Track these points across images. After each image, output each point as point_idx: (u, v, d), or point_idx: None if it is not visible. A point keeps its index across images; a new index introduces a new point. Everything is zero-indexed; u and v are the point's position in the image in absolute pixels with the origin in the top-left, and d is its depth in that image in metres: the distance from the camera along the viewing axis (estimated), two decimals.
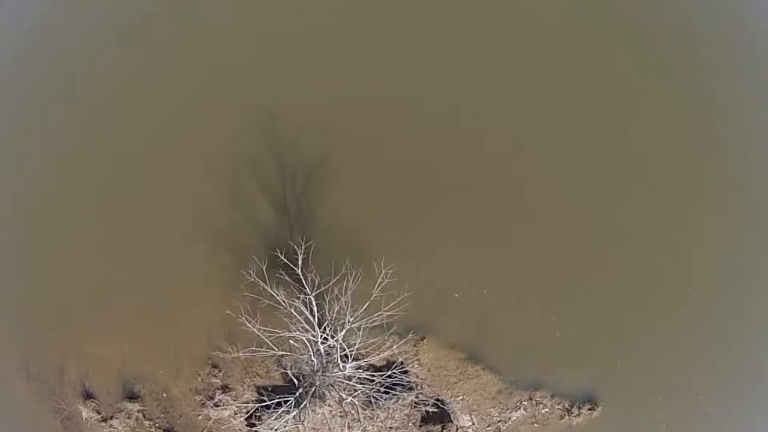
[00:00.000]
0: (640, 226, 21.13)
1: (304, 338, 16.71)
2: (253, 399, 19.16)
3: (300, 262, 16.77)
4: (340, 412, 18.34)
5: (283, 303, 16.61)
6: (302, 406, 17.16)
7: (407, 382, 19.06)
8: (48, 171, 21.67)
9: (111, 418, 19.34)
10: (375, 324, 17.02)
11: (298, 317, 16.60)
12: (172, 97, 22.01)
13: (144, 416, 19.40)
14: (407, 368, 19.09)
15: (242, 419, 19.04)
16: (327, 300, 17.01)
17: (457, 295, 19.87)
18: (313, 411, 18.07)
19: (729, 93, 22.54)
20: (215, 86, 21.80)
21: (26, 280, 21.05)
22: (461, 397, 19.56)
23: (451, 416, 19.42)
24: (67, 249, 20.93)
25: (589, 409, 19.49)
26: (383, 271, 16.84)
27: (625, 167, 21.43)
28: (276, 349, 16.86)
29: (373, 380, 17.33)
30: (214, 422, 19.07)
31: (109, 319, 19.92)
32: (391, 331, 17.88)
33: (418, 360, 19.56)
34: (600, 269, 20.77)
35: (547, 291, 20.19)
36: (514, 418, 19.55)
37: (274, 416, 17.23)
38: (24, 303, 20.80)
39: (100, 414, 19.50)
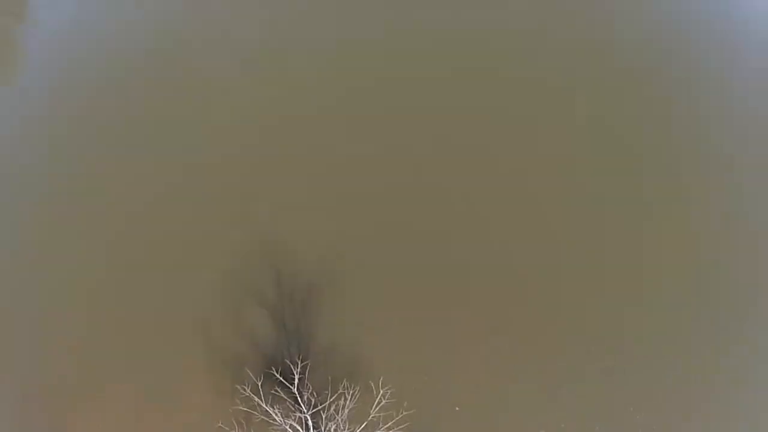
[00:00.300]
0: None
1: None
2: None
3: (296, 381, 16.83)
4: None
5: (277, 419, 16.19)
6: None
7: None
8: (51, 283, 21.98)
9: None
10: None
11: None
12: (173, 214, 23.43)
13: None
14: None
15: None
16: (323, 418, 16.62)
17: (457, 408, 19.18)
18: None
19: None
20: (216, 206, 23.44)
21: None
22: None
23: None
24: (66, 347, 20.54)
25: None
26: (381, 391, 16.79)
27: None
28: None
29: None
30: None
31: (100, 421, 18.73)
32: None
33: None
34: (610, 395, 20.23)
35: (552, 410, 19.42)
36: None
37: None
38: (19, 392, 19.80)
39: None
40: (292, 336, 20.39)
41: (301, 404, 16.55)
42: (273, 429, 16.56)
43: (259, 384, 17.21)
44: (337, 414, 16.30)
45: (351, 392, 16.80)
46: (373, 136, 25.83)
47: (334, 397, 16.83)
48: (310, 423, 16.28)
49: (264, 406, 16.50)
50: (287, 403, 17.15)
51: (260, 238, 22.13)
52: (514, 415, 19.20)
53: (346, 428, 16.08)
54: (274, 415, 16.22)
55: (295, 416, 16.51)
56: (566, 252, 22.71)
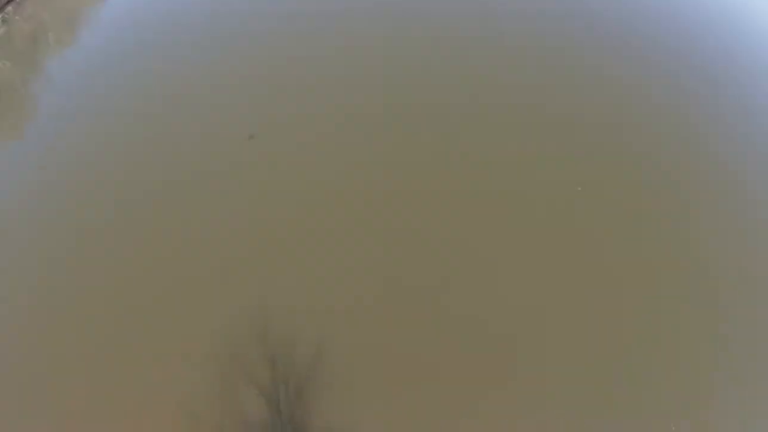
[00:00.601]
0: None
1: None
2: None
3: None
4: None
5: None
6: None
7: None
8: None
9: None
10: None
11: None
12: (159, 291, 22.77)
13: None
14: None
15: None
16: None
17: None
18: None
19: None
20: (206, 283, 22.94)
21: None
22: None
23: None
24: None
25: None
26: None
27: None
28: None
29: None
30: None
31: None
32: None
33: None
34: None
35: None
36: None
37: None
38: None
39: None
40: (287, 423, 19.60)
41: None
42: None
43: None
44: None
45: None
46: (375, 212, 26.07)
47: None
48: None
49: None
50: None
51: (253, 318, 21.54)
52: None
53: None
54: None
55: None
56: None
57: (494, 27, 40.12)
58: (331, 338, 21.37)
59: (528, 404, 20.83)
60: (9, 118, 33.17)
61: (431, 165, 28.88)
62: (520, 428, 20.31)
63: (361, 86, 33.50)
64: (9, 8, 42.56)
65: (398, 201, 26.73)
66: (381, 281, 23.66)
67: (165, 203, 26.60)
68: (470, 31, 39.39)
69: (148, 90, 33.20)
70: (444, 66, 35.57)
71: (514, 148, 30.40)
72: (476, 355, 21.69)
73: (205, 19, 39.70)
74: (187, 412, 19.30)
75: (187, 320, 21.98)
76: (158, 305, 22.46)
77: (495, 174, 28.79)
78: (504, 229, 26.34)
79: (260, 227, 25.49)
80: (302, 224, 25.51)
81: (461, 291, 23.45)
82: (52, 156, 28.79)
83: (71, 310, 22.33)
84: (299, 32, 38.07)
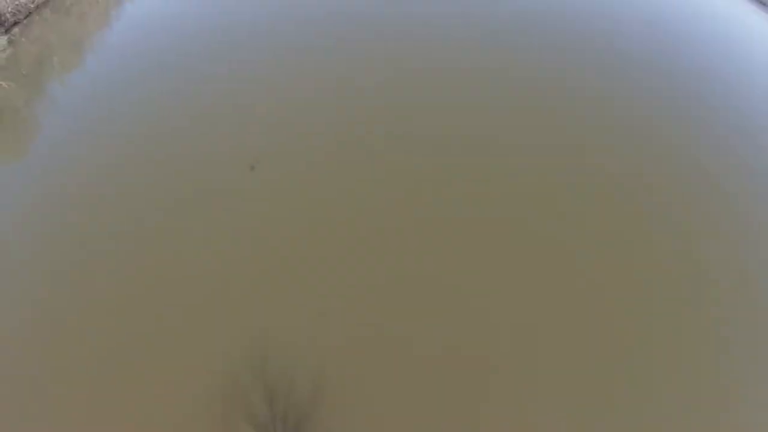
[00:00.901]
0: None
1: None
2: None
3: None
4: None
5: None
6: None
7: None
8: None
9: None
10: None
11: None
12: (156, 327, 22.49)
13: None
14: None
15: None
16: None
17: None
18: None
19: None
20: (204, 318, 22.72)
21: None
22: None
23: None
24: None
25: None
26: None
27: None
28: None
29: None
30: None
31: None
32: None
33: None
34: None
35: None
36: None
37: None
38: None
39: None
40: None
41: None
42: None
43: None
44: None
45: None
46: (375, 250, 26.21)
47: None
48: None
49: None
50: None
51: (251, 352, 21.40)
52: None
53: None
54: None
55: None
56: None
57: (492, 59, 41.70)
58: (332, 377, 21.25)
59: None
60: (12, 137, 33.20)
61: (427, 198, 29.39)
62: None
63: (358, 120, 34.23)
64: (16, 29, 43.11)
65: (399, 235, 27.07)
66: (379, 316, 23.64)
67: (164, 227, 26.60)
68: (466, 62, 40.79)
69: (150, 117, 33.54)
70: (436, 99, 36.63)
71: (511, 175, 31.39)
72: (479, 396, 21.60)
73: (207, 51, 40.57)
74: None
75: (183, 354, 21.67)
76: (152, 338, 22.11)
77: (494, 202, 29.60)
78: (504, 247, 26.97)
79: (259, 257, 25.54)
80: (303, 256, 25.65)
81: (458, 324, 23.54)
82: (55, 176, 28.83)
83: (71, 331, 22.00)
84: (299, 64, 39.09)
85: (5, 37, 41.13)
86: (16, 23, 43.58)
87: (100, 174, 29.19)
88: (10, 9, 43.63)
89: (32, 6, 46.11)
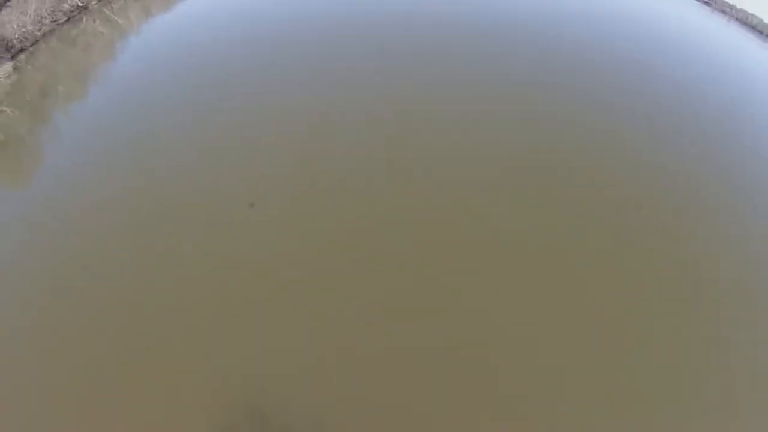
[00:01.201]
0: None
1: None
2: None
3: None
4: None
5: None
6: None
7: None
8: None
9: None
10: None
11: None
12: (153, 375, 22.52)
13: None
14: None
15: None
16: None
17: None
18: None
19: None
20: (200, 365, 22.87)
21: None
22: None
23: None
24: None
25: None
26: None
27: None
28: None
29: None
30: None
31: None
32: None
33: None
34: None
35: None
36: None
37: None
38: None
39: None
40: None
41: None
42: None
43: None
44: None
45: None
46: (371, 294, 26.66)
47: None
48: None
49: None
50: None
51: (246, 400, 21.76)
52: None
53: None
54: None
55: None
56: None
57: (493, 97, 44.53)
58: (330, 421, 21.72)
59: None
60: (16, 166, 33.82)
61: (426, 236, 30.34)
62: None
63: (359, 158, 35.58)
64: (22, 56, 44.26)
65: (397, 272, 27.93)
66: (386, 365, 23.97)
67: (161, 261, 27.06)
68: (466, 105, 42.89)
69: (152, 151, 34.23)
70: (435, 136, 38.36)
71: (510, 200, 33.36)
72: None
73: (210, 87, 41.87)
74: None
75: (180, 400, 21.79)
76: (149, 387, 22.15)
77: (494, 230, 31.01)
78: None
79: (263, 307, 25.76)
80: (305, 306, 26.08)
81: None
82: (58, 203, 29.39)
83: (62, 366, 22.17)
84: (301, 102, 40.51)
85: (11, 63, 42.17)
86: (22, 50, 44.70)
87: (101, 205, 29.71)
88: (17, 36, 44.86)
89: (39, 34, 47.44)
